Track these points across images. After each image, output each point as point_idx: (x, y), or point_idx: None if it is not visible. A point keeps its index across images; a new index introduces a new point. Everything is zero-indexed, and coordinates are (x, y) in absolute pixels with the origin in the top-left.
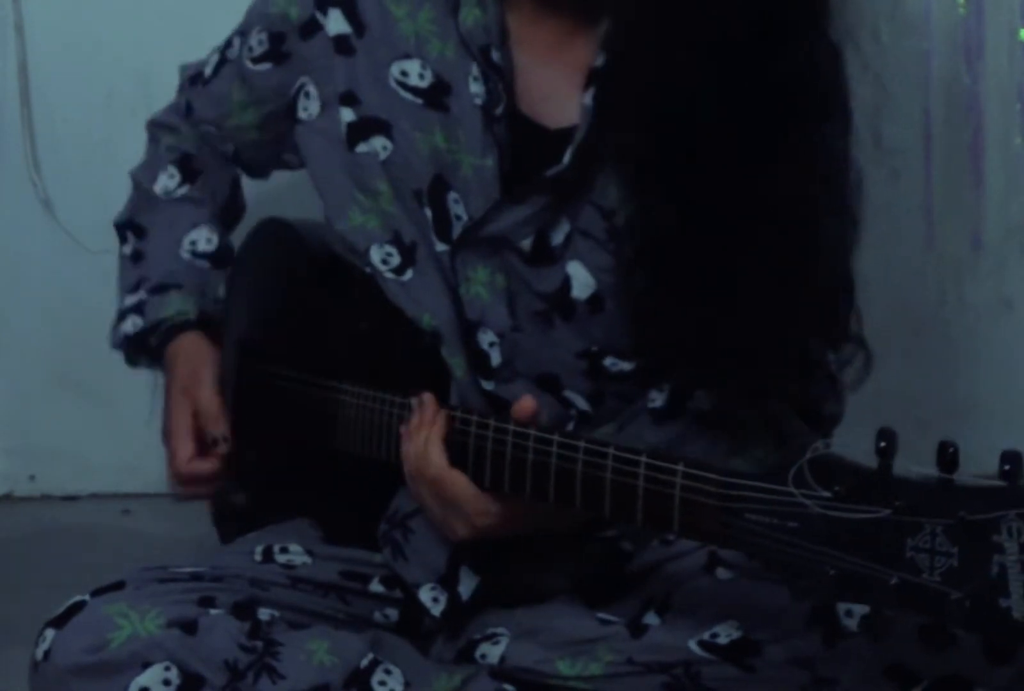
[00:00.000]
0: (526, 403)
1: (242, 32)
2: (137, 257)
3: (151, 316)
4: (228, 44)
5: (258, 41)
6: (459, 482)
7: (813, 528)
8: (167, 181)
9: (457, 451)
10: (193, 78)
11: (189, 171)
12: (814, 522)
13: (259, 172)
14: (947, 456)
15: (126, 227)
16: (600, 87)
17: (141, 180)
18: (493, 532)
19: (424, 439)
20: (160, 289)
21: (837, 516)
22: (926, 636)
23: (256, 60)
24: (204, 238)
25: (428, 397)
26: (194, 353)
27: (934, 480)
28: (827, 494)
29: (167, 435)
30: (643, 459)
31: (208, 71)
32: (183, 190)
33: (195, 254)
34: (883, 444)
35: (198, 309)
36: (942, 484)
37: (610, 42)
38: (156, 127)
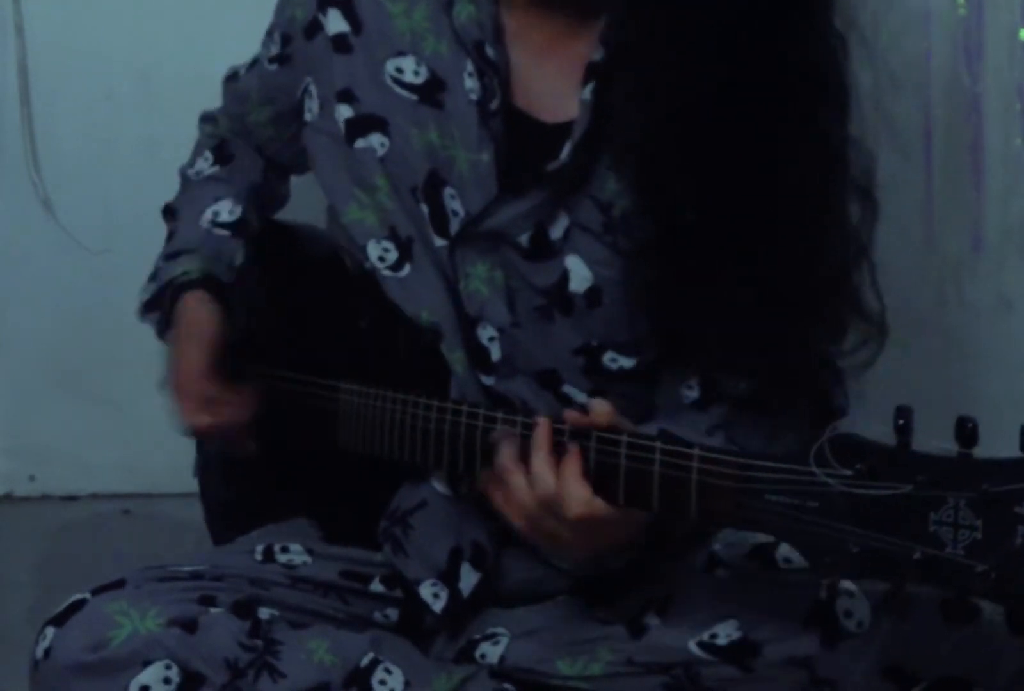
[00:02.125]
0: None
1: (269, 31)
2: (170, 237)
3: (161, 279)
4: (263, 42)
5: (274, 42)
6: (604, 508)
7: (834, 506)
8: (201, 164)
9: (466, 443)
10: (231, 75)
11: (223, 154)
12: (835, 500)
13: (291, 168)
14: (966, 431)
15: (165, 213)
16: (599, 81)
17: (183, 170)
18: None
19: (550, 475)
20: (173, 255)
21: (859, 493)
22: (948, 610)
23: (270, 60)
24: (227, 210)
25: (544, 422)
26: (193, 309)
27: (954, 455)
28: (848, 472)
29: (179, 363)
30: (658, 445)
31: (242, 70)
32: (212, 170)
33: (215, 223)
34: (901, 422)
35: (202, 268)
36: (962, 459)
37: (609, 36)
38: (202, 120)
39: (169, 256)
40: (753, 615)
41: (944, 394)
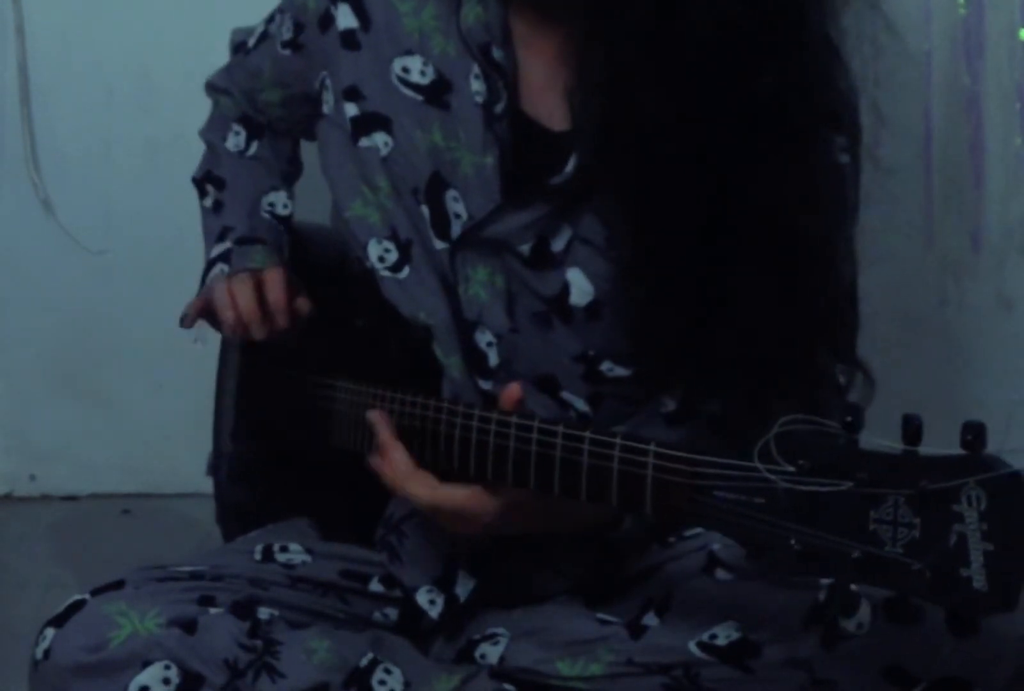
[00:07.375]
0: (512, 391)
1: (281, 10)
2: (218, 207)
3: (237, 264)
4: (271, 18)
5: (287, 27)
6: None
7: (778, 503)
8: (235, 138)
9: (444, 441)
10: (239, 45)
11: (253, 126)
12: (779, 497)
13: (306, 137)
14: (911, 428)
15: (205, 181)
16: (603, 97)
17: (211, 139)
18: (497, 530)
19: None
20: (246, 241)
21: (801, 490)
22: (890, 610)
23: (283, 45)
24: (281, 203)
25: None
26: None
27: (898, 452)
28: (791, 469)
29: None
30: (618, 441)
31: (251, 42)
32: (254, 147)
33: (273, 215)
34: (849, 419)
35: (275, 262)
36: (906, 456)
37: (592, 54)
38: (212, 89)
39: (241, 241)
40: (753, 616)
41: (943, 394)
